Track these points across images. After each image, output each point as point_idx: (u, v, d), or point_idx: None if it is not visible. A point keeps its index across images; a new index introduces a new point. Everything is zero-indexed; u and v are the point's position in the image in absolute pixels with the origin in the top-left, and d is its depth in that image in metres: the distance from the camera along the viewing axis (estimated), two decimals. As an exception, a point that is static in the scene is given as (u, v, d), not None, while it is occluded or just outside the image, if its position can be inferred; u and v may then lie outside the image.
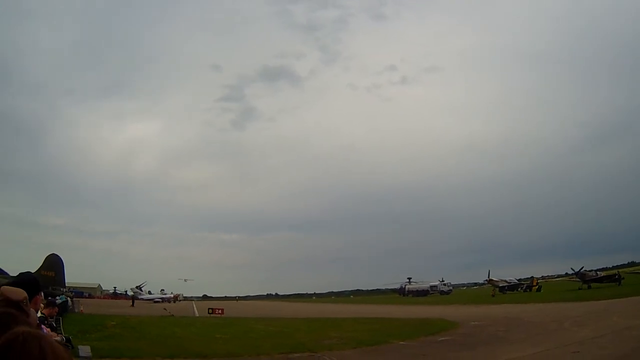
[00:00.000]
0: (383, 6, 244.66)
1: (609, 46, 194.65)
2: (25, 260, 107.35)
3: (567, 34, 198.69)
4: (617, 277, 62.39)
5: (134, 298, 79.13)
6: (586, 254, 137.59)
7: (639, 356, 13.65)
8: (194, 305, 74.22)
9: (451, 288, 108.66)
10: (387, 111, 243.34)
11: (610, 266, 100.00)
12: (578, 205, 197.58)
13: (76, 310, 39.87)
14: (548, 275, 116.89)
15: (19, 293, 3.18)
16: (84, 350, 14.54)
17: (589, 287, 60.80)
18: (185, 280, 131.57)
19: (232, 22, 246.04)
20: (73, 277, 73.53)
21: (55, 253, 37.53)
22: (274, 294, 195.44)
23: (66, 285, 41.96)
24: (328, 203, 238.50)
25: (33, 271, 20.66)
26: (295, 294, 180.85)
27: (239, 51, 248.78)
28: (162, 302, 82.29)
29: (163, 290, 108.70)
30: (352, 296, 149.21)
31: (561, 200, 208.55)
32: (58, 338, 8.22)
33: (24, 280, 4.01)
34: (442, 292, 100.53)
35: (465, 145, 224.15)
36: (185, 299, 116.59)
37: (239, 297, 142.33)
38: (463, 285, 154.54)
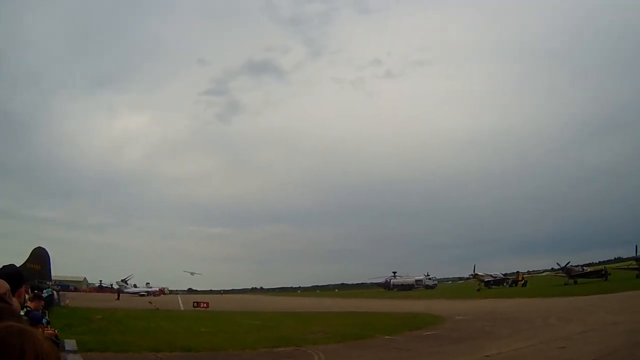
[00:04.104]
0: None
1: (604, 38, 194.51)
2: (11, 253, 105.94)
3: (560, 25, 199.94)
4: (603, 272, 62.89)
5: (119, 291, 78.73)
6: (572, 249, 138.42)
7: (625, 352, 13.72)
8: (179, 299, 74.02)
9: (436, 282, 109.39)
10: (373, 104, 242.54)
11: (597, 261, 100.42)
12: (565, 201, 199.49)
13: (62, 304, 39.56)
14: (534, 270, 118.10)
15: (1, 286, 3.12)
16: (70, 344, 14.36)
17: (575, 283, 61.63)
18: (192, 273, 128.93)
19: (218, 16, 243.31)
20: (58, 270, 72.75)
21: (42, 246, 37.11)
22: (258, 287, 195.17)
23: (52, 278, 41.54)
24: (313, 196, 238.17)
25: (19, 264, 20.37)
26: (280, 288, 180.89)
27: (224, 45, 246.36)
28: (148, 295, 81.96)
29: (149, 283, 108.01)
30: (337, 290, 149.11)
31: (548, 195, 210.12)
32: (50, 332, 8.08)
33: (7, 272, 3.90)
34: (427, 287, 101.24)
35: (452, 139, 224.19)
36: (171, 292, 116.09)
37: (224, 290, 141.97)
38: (448, 279, 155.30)
